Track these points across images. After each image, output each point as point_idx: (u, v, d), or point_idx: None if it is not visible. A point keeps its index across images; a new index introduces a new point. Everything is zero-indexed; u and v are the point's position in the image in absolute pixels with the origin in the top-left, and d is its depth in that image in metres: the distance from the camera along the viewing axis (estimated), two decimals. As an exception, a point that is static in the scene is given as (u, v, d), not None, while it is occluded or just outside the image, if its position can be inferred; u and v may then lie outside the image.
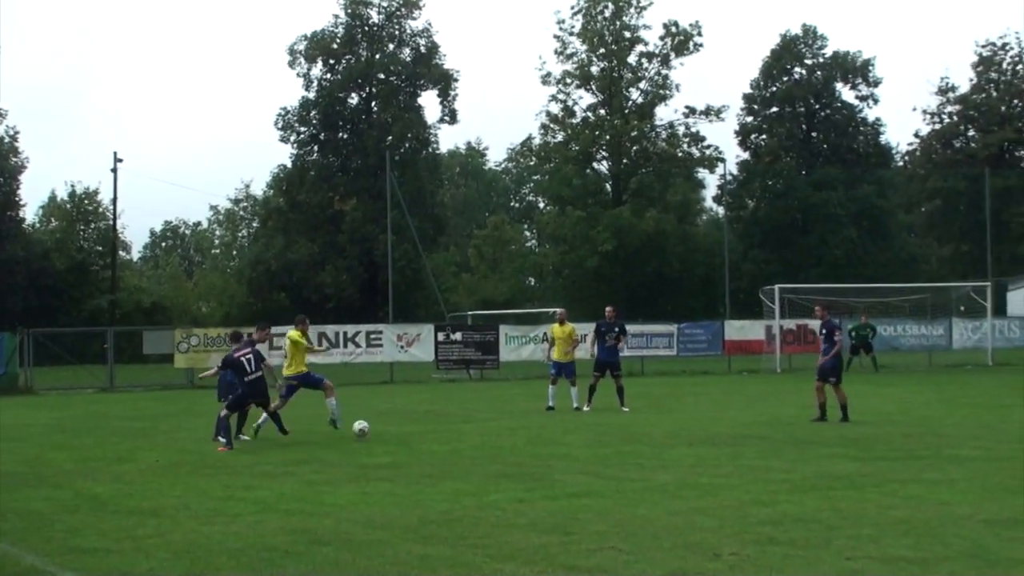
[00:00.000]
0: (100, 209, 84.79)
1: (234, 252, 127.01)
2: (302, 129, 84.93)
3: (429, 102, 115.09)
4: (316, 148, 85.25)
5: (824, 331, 25.10)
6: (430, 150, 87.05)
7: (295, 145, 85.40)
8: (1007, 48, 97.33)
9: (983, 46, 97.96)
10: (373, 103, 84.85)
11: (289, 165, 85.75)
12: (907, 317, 54.93)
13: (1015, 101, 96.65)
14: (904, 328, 54.08)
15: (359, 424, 21.78)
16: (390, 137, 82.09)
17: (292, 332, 22.68)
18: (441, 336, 47.85)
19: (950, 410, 27.32)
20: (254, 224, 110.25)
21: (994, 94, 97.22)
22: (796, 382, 40.34)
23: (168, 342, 45.42)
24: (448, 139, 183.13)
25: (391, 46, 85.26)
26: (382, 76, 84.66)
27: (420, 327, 49.34)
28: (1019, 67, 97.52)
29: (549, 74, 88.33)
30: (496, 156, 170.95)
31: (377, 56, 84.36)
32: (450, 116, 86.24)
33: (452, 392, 38.80)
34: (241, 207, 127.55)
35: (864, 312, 51.15)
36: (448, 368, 47.64)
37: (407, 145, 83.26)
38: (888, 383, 38.61)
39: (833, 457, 18.07)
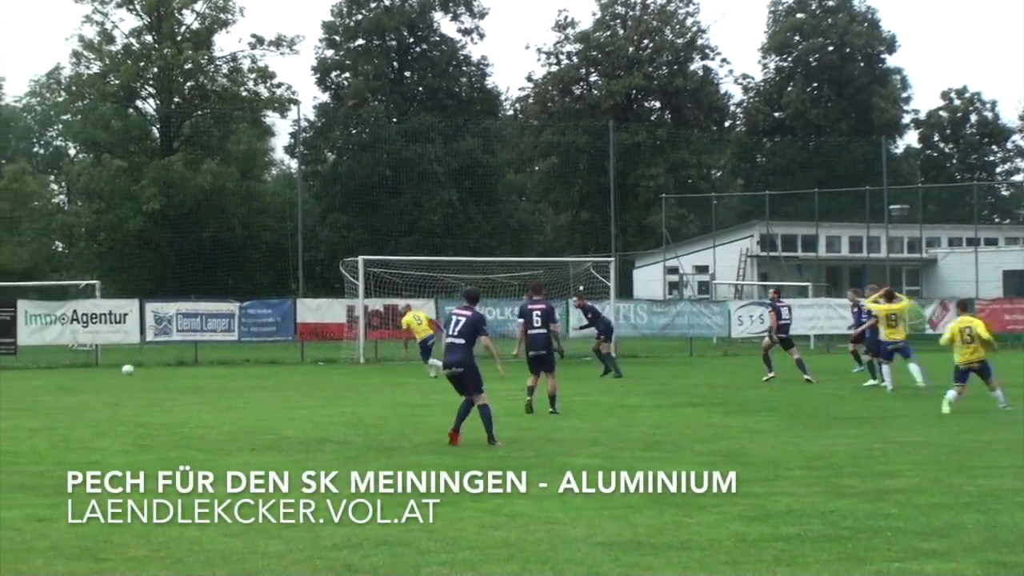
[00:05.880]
0: None
1: None
2: None
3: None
4: None
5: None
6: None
7: None
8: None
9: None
10: None
11: None
12: (516, 298, 56.05)
13: (645, 41, 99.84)
14: (513, 311, 54.96)
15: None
16: None
17: None
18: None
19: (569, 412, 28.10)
20: None
21: (620, 32, 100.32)
22: (383, 375, 40.86)
23: None
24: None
25: None
26: None
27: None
28: (649, 0, 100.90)
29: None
30: (16, 89, 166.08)
31: None
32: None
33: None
34: None
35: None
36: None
37: None
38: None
39: (424, 466, 18.34)
